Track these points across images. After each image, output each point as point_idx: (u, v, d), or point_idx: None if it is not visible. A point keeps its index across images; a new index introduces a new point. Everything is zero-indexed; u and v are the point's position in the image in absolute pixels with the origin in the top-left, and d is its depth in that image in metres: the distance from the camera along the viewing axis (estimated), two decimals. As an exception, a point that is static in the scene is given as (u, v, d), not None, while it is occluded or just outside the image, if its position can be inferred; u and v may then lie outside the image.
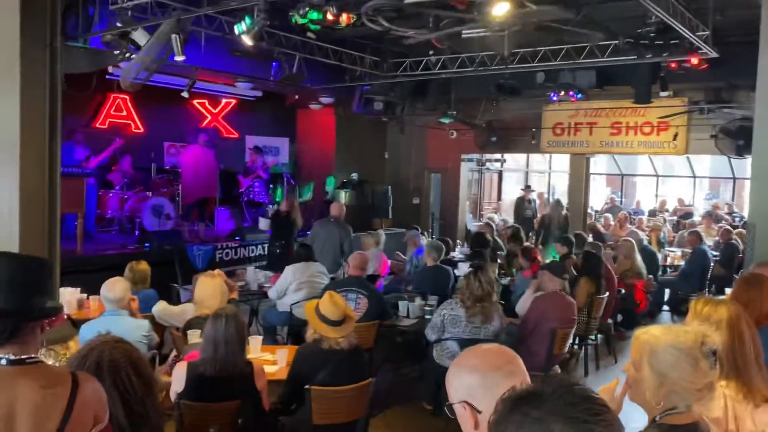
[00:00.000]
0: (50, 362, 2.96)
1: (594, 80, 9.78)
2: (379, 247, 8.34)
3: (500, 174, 18.21)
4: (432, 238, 11.33)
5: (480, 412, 1.58)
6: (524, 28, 6.09)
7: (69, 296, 5.83)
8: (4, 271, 1.93)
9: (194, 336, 4.23)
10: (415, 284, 7.13)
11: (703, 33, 7.09)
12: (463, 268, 6.52)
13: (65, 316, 4.50)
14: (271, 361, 4.52)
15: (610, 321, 7.68)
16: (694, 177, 17.74)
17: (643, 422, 2.02)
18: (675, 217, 15.44)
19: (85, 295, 5.95)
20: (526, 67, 9.10)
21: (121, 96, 11.34)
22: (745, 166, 13.02)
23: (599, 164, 19.02)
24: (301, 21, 5.56)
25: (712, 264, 9.78)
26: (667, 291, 9.89)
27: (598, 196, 19.29)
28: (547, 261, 7.40)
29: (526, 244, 10.44)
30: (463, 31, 6.69)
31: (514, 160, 18.22)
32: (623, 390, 2.06)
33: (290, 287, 6.54)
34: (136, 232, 10.06)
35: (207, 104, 13.02)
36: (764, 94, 5.33)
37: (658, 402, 1.93)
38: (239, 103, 13.09)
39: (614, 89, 10.79)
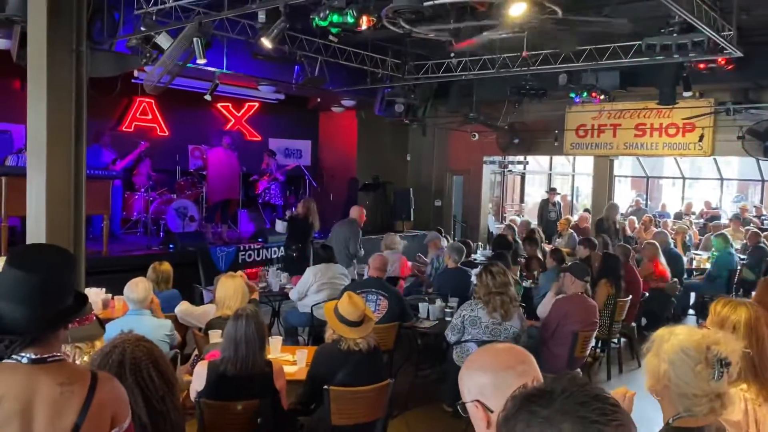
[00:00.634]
0: (77, 360, 3.01)
1: (617, 81, 9.69)
2: (395, 249, 8.32)
3: (523, 176, 18.09)
4: (453, 240, 11.30)
5: (492, 412, 1.57)
6: (545, 28, 6.04)
7: (94, 296, 5.91)
8: (22, 285, 1.90)
9: (215, 336, 4.28)
10: (436, 286, 7.13)
11: (728, 33, 6.99)
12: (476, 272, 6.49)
13: (93, 317, 4.58)
14: (291, 362, 4.54)
15: (633, 324, 7.59)
16: (722, 179, 17.44)
17: (658, 424, 2.01)
18: (701, 220, 15.21)
19: (110, 295, 6.03)
20: (548, 69, 9.05)
21: (147, 99, 11.51)
22: (773, 167, 12.79)
23: (624, 167, 18.80)
24: (321, 24, 5.59)
25: (739, 267, 9.62)
26: (692, 294, 9.75)
27: (623, 199, 19.07)
28: None
29: (551, 246, 10.41)
30: (485, 34, 6.68)
31: (537, 162, 18.09)
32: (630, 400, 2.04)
33: (311, 288, 6.57)
34: (161, 233, 10.21)
35: (230, 107, 13.15)
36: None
37: (658, 394, 1.92)
38: (262, 106, 13.20)
39: (638, 90, 10.67)
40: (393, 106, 10.77)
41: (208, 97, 8.88)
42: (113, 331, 3.63)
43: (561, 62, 8.89)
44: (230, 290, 4.72)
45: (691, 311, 9.79)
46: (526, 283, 7.77)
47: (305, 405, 4.08)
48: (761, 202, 16.18)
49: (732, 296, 8.71)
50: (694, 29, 6.62)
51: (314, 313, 6.35)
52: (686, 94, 9.36)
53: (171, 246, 9.32)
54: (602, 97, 9.91)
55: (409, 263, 8.77)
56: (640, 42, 7.77)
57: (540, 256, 8.89)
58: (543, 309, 6.01)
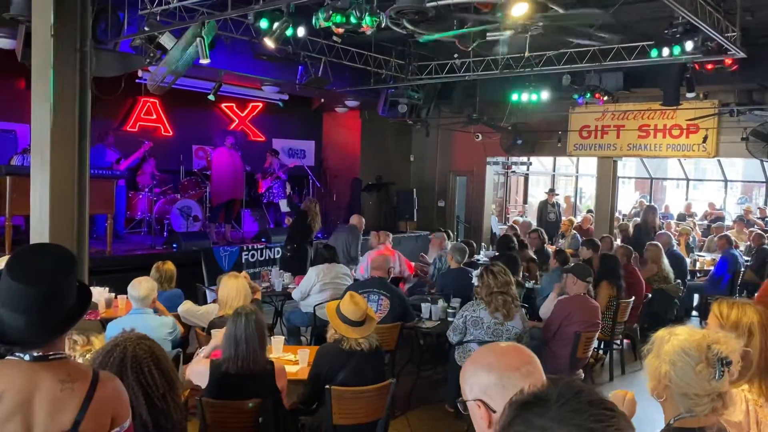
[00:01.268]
0: (69, 353, 3.02)
1: (621, 82, 9.67)
2: (382, 241, 8.36)
3: (526, 177, 18.08)
4: (456, 240, 11.30)
5: (494, 412, 1.56)
6: (546, 30, 6.03)
7: (98, 295, 5.94)
8: (22, 296, 1.88)
9: (218, 335, 4.28)
10: (438, 286, 7.13)
11: (732, 34, 6.98)
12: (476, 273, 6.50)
13: (98, 315, 4.61)
14: (293, 361, 4.55)
15: (636, 326, 7.58)
16: (726, 181, 17.40)
17: (660, 425, 2.01)
18: (705, 222, 15.18)
19: (113, 295, 6.06)
20: (552, 70, 9.04)
21: (151, 100, 11.54)
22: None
23: (628, 168, 18.77)
24: (324, 24, 5.60)
25: (743, 269, 9.59)
26: (695, 296, 9.73)
27: (627, 201, 19.04)
28: None
29: (554, 247, 10.40)
30: (487, 34, 6.67)
31: (541, 163, 18.08)
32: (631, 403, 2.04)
33: (314, 288, 6.58)
34: (165, 233, 10.23)
35: (234, 108, 13.17)
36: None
37: (659, 396, 1.92)
38: (266, 106, 13.22)
39: (642, 91, 10.66)
40: (396, 107, 10.78)
41: (211, 97, 8.91)
42: (116, 329, 3.65)
43: (564, 63, 8.88)
44: (233, 290, 4.74)
45: (694, 313, 9.78)
46: (529, 284, 7.77)
47: (307, 404, 4.09)
48: (765, 203, 16.13)
49: (736, 297, 8.73)
50: (697, 30, 6.62)
51: (317, 312, 6.36)
52: (690, 95, 9.34)
53: (175, 246, 9.34)
54: (606, 98, 9.91)
55: (412, 263, 8.79)
56: (644, 43, 7.77)
57: (533, 255, 8.92)
58: (545, 310, 6.01)
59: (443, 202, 14.74)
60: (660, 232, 11.00)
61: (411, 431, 5.25)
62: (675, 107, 10.16)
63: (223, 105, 12.82)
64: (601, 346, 7.08)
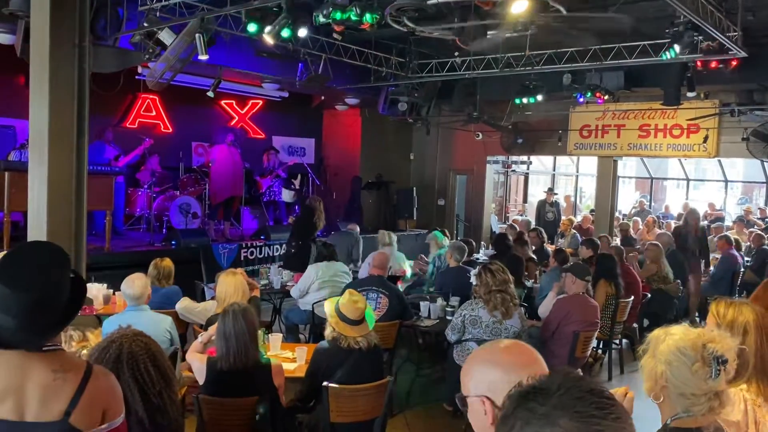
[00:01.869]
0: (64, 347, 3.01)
1: (622, 81, 9.65)
2: (389, 245, 8.32)
3: (526, 176, 18.07)
4: (456, 239, 11.29)
5: (500, 409, 1.54)
6: (548, 27, 6.02)
7: (96, 292, 5.92)
8: (12, 302, 1.86)
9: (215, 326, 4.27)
10: (437, 285, 7.12)
11: (734, 34, 6.96)
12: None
13: (93, 310, 4.60)
14: (291, 359, 4.54)
15: (635, 325, 7.57)
16: (726, 181, 17.39)
17: (657, 425, 2.00)
18: (705, 222, 15.15)
19: (111, 291, 6.04)
20: (552, 69, 9.03)
21: (151, 96, 11.52)
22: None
23: (628, 168, 18.75)
24: (324, 21, 5.58)
25: (743, 269, 9.57)
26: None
27: (628, 201, 19.02)
28: None
29: (553, 246, 10.40)
30: (488, 33, 6.66)
31: (541, 162, 18.07)
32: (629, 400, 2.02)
33: (312, 286, 6.57)
34: (164, 230, 10.22)
35: (234, 105, 13.15)
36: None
37: (657, 397, 1.91)
38: (266, 103, 13.19)
39: (642, 91, 10.64)
40: (396, 105, 10.76)
41: (210, 94, 8.88)
42: (113, 326, 3.64)
43: (565, 62, 8.87)
44: (231, 287, 4.73)
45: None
46: (529, 283, 7.75)
47: (304, 402, 4.08)
48: (766, 204, 16.12)
49: (735, 297, 8.73)
50: (699, 29, 6.60)
51: (315, 310, 6.34)
52: (691, 94, 9.32)
53: (173, 243, 9.33)
54: (606, 97, 9.89)
55: (409, 262, 8.79)
56: (645, 42, 7.75)
57: (532, 254, 8.91)
58: (544, 309, 6.00)
59: (443, 200, 14.73)
60: (660, 232, 10.97)
61: (409, 430, 5.24)
62: (676, 107, 10.14)
63: (222, 102, 12.80)
64: (600, 346, 7.07)
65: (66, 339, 3.31)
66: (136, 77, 8.76)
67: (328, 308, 4.15)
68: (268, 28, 6.11)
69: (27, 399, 1.88)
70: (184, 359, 4.51)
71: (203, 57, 6.22)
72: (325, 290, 6.47)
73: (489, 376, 1.57)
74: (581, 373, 1.18)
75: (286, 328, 6.91)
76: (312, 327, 6.58)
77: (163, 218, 10.41)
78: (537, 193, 18.63)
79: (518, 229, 10.87)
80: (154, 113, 11.92)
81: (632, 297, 7.14)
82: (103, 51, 6.17)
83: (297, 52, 8.54)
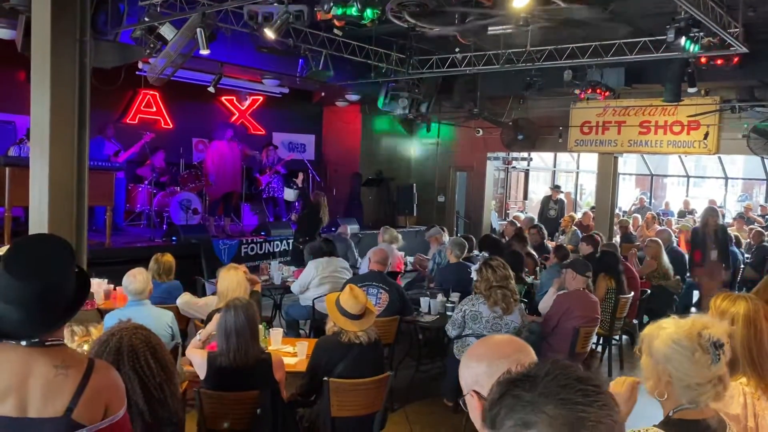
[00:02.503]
0: (68, 342, 3.02)
1: (622, 78, 9.65)
2: (397, 244, 8.28)
3: (527, 173, 18.06)
4: (456, 236, 11.30)
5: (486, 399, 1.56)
6: (550, 23, 6.02)
7: (96, 287, 5.93)
8: (19, 292, 1.87)
9: (214, 321, 4.28)
10: (438, 281, 7.13)
11: (735, 30, 6.96)
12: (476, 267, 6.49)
13: (95, 305, 4.61)
14: (292, 354, 4.55)
15: (635, 321, 7.58)
16: (726, 178, 17.39)
17: (658, 418, 2.00)
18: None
19: (112, 286, 6.05)
20: (553, 65, 9.02)
21: (151, 92, 11.51)
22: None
23: (629, 165, 18.76)
24: (325, 17, 5.58)
25: (742, 266, 9.58)
26: (695, 292, 9.73)
27: (628, 197, 19.03)
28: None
29: (553, 242, 10.40)
30: (489, 28, 6.66)
31: (541, 158, 18.06)
32: (632, 388, 2.03)
33: (313, 282, 6.58)
34: (164, 225, 10.22)
35: (235, 101, 13.14)
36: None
37: (661, 394, 1.91)
38: (266, 99, 13.19)
39: (643, 87, 10.65)
40: (397, 101, 10.75)
41: (211, 89, 8.88)
42: (114, 321, 3.65)
43: (566, 58, 8.86)
44: (233, 282, 4.73)
45: (693, 309, 9.77)
46: (529, 279, 7.76)
47: (305, 396, 4.09)
48: (766, 201, 16.13)
49: (737, 292, 8.73)
50: (700, 26, 6.59)
51: (316, 306, 6.35)
52: (691, 91, 9.31)
53: (174, 238, 9.34)
54: (607, 93, 9.88)
55: (409, 258, 8.79)
56: (646, 39, 7.74)
57: (531, 251, 8.91)
58: (544, 305, 6.01)
59: (443, 197, 14.73)
60: (660, 228, 10.98)
61: (409, 425, 5.25)
62: (676, 103, 10.13)
63: (223, 98, 12.80)
64: (600, 342, 7.08)
65: (69, 334, 3.32)
66: (137, 73, 8.76)
67: (328, 303, 4.16)
68: (267, 23, 6.10)
69: (29, 395, 1.87)
70: (184, 354, 4.53)
71: (204, 52, 6.21)
72: (325, 286, 6.48)
73: (473, 369, 1.62)
74: (568, 361, 1.18)
75: (287, 323, 6.92)
76: (312, 322, 6.59)
77: (164, 214, 10.42)
78: (537, 189, 18.64)
79: (518, 224, 10.88)
80: (154, 109, 11.92)
81: (632, 293, 7.14)
82: (103, 46, 6.17)
83: (297, 48, 8.54)
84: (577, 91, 9.93)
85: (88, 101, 5.63)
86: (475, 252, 8.54)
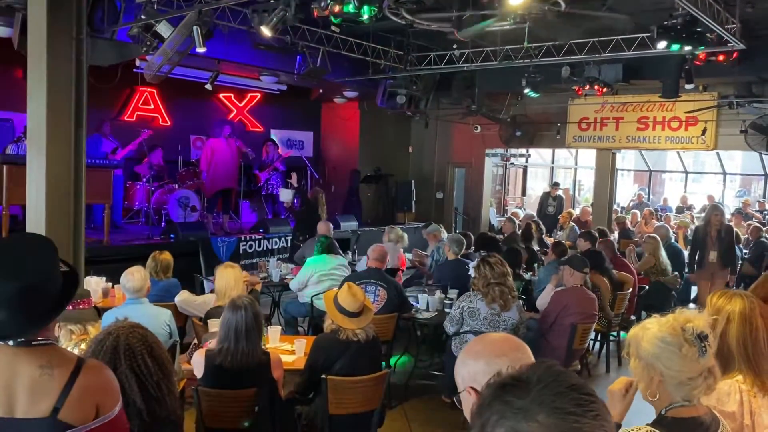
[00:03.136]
0: (65, 343, 3.02)
1: (620, 74, 9.64)
2: (400, 245, 8.24)
3: (525, 169, 18.07)
4: (454, 232, 11.30)
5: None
6: (546, 18, 6.01)
7: (95, 285, 5.94)
8: (3, 291, 1.85)
9: (215, 325, 4.28)
10: (436, 277, 7.13)
11: (732, 26, 6.95)
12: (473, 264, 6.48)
13: (91, 303, 4.60)
14: (290, 351, 4.55)
15: (633, 317, 7.59)
16: (725, 174, 17.40)
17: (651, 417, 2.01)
18: (703, 214, 15.17)
19: (110, 284, 6.05)
20: (551, 61, 9.01)
21: (149, 89, 11.50)
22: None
23: (627, 161, 18.77)
24: (322, 13, 5.57)
25: (740, 262, 9.59)
26: (693, 288, 9.74)
27: (626, 193, 19.05)
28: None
29: (551, 239, 10.41)
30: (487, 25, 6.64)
31: (539, 155, 18.07)
32: (628, 387, 2.03)
33: (311, 279, 6.58)
34: (162, 223, 10.22)
35: (233, 98, 13.13)
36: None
37: (653, 395, 1.91)
38: (264, 96, 13.18)
39: (641, 83, 10.64)
40: (395, 98, 10.75)
41: (208, 86, 8.87)
42: (112, 320, 3.64)
43: (564, 54, 8.86)
44: (231, 280, 4.74)
45: (692, 305, 9.79)
46: (527, 276, 7.77)
47: (303, 394, 4.09)
48: (764, 196, 16.14)
49: (733, 289, 8.74)
50: (697, 22, 6.59)
51: (314, 303, 6.36)
52: (689, 87, 9.32)
53: (172, 236, 9.33)
54: (605, 89, 9.88)
55: (408, 255, 8.78)
56: (644, 35, 7.74)
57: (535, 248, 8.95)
58: (542, 301, 6.01)
59: (442, 193, 14.73)
60: (658, 224, 11.00)
61: (407, 421, 5.26)
62: (674, 99, 10.14)
63: (221, 95, 12.79)
64: (597, 338, 7.09)
65: (66, 333, 3.31)
66: (134, 70, 8.75)
67: (326, 301, 4.16)
68: (264, 21, 6.09)
69: (16, 395, 1.87)
70: (182, 352, 4.53)
71: (201, 49, 6.21)
72: (324, 283, 6.48)
73: (471, 367, 1.61)
74: (578, 367, 1.16)
75: (285, 320, 6.93)
76: (311, 319, 6.59)
77: (162, 211, 10.41)
78: (536, 186, 18.64)
79: (516, 221, 10.89)
80: (152, 106, 11.90)
81: (630, 290, 7.15)
82: (100, 43, 6.15)
83: (295, 45, 8.52)
84: (575, 87, 9.92)
85: (84, 99, 5.61)
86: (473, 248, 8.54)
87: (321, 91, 12.85)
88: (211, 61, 8.60)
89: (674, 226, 11.78)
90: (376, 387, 4.00)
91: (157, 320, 4.42)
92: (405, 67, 10.18)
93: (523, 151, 15.80)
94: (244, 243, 9.87)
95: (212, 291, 5.35)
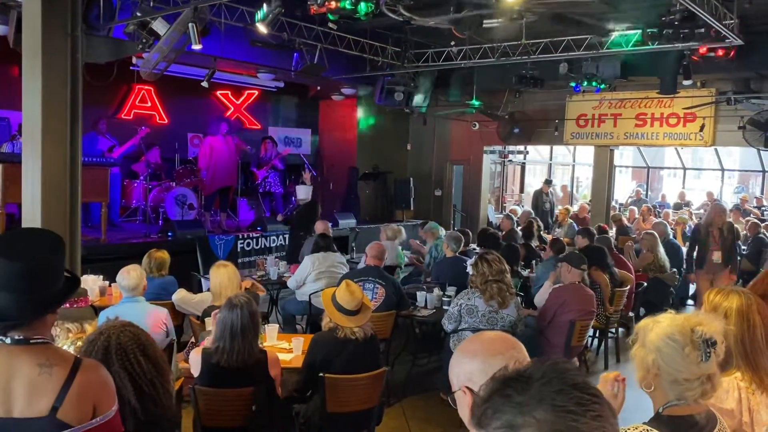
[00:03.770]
0: (61, 342, 3.00)
1: (618, 70, 9.63)
2: (399, 239, 8.24)
3: (523, 166, 18.07)
4: (453, 229, 11.30)
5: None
6: (544, 15, 5.99)
7: (92, 283, 5.90)
8: (6, 272, 1.88)
9: (211, 324, 4.26)
10: (434, 275, 7.12)
11: (730, 22, 6.94)
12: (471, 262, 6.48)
13: (88, 301, 4.59)
14: (287, 350, 4.54)
15: (632, 314, 7.59)
16: (723, 170, 17.41)
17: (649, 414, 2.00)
18: (701, 211, 15.18)
19: (107, 283, 6.02)
20: (548, 57, 9.00)
21: (146, 87, 11.46)
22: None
23: (625, 157, 18.77)
24: (319, 10, 5.55)
25: (738, 258, 9.58)
26: (692, 285, 9.74)
27: (624, 190, 19.06)
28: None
29: (550, 235, 10.40)
30: (484, 21, 6.63)
31: (538, 152, 18.06)
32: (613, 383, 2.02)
33: (309, 277, 6.57)
34: (160, 221, 10.19)
35: (230, 95, 13.09)
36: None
37: (648, 386, 1.91)
38: (262, 94, 13.14)
39: (639, 80, 10.63)
40: (393, 95, 10.73)
41: (205, 84, 8.84)
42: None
43: (561, 51, 8.84)
44: (225, 279, 4.72)
45: (690, 301, 9.79)
46: (525, 272, 7.76)
47: (301, 392, 4.08)
48: (762, 193, 16.15)
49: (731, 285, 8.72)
50: (695, 17, 6.58)
51: (312, 301, 6.35)
52: (687, 83, 9.31)
53: (170, 234, 9.30)
54: (603, 86, 9.87)
55: (407, 252, 8.77)
56: (641, 31, 7.72)
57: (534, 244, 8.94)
58: (540, 298, 6.00)
59: (440, 191, 14.72)
60: (656, 221, 10.99)
61: (406, 419, 5.25)
62: (672, 95, 10.13)
63: (218, 92, 12.75)
64: (596, 335, 7.09)
65: (63, 332, 3.29)
66: (131, 68, 8.71)
67: (324, 299, 4.14)
68: (260, 16, 6.07)
69: (14, 394, 1.86)
70: (179, 350, 4.51)
71: (197, 47, 6.18)
72: (321, 281, 6.47)
73: (466, 366, 1.60)
74: (568, 363, 1.13)
75: (283, 318, 6.92)
76: (309, 318, 6.58)
77: (159, 210, 10.37)
78: (534, 183, 18.64)
79: (515, 218, 10.88)
80: (149, 104, 11.86)
81: (628, 286, 7.15)
82: (96, 41, 6.13)
83: (292, 42, 8.50)
84: (572, 84, 9.91)
85: (80, 97, 5.59)
86: (472, 246, 8.54)
87: (318, 88, 12.83)
88: (207, 58, 8.57)
89: (672, 222, 11.78)
90: (374, 385, 3.99)
91: (154, 318, 4.40)
92: (403, 63, 10.16)
93: (521, 148, 15.78)
94: (242, 241, 9.86)
95: (209, 289, 5.34)
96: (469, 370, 1.58)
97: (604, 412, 1.04)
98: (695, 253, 8.15)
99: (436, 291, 6.27)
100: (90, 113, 6.83)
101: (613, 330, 7.19)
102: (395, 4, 5.93)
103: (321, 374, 3.82)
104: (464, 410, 1.57)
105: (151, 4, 6.36)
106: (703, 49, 7.94)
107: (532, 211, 12.91)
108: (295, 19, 8.24)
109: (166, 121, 12.10)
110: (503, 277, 5.05)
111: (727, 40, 7.25)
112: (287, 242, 9.91)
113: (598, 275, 6.53)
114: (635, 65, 9.69)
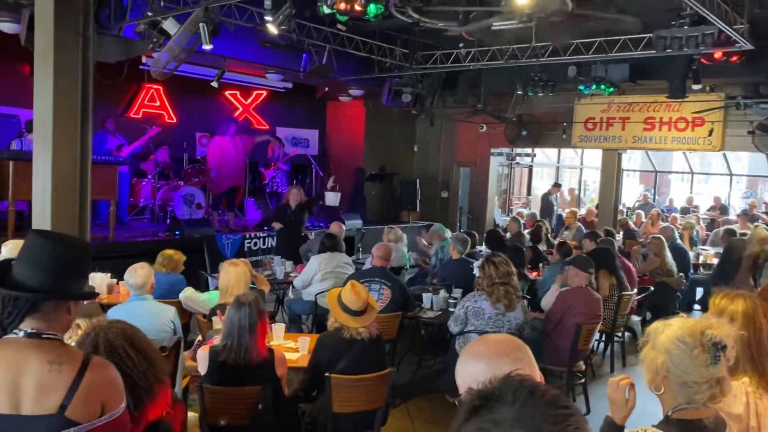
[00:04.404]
0: (69, 335, 3.01)
1: (627, 74, 9.62)
2: (401, 244, 8.23)
3: (530, 169, 18.04)
4: (459, 231, 11.28)
5: None
6: (552, 18, 5.99)
7: (99, 281, 5.93)
8: (34, 250, 2.00)
9: (218, 322, 4.29)
10: (440, 277, 7.12)
11: (740, 26, 6.92)
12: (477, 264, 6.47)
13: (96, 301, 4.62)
14: (293, 349, 4.55)
15: (638, 318, 7.56)
16: (731, 175, 17.33)
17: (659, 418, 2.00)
18: (706, 215, 15.13)
19: (115, 281, 6.05)
20: (557, 60, 8.99)
21: (155, 86, 11.52)
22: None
23: (633, 161, 18.71)
24: (328, 11, 5.56)
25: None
26: (698, 289, 9.71)
27: (632, 194, 19.01)
28: None
29: (559, 239, 10.38)
30: (493, 24, 6.63)
31: (545, 155, 18.03)
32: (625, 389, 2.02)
33: (315, 277, 6.58)
34: (168, 220, 10.23)
35: (238, 95, 13.14)
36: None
37: (658, 388, 1.91)
38: (270, 94, 13.18)
39: (648, 83, 10.60)
40: (400, 96, 10.74)
41: (214, 84, 8.88)
42: (116, 315, 3.65)
43: (570, 54, 8.83)
44: (233, 278, 4.72)
45: (696, 306, 9.75)
46: (533, 275, 7.75)
47: (307, 392, 4.08)
48: (770, 198, 16.07)
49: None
50: (705, 22, 6.56)
51: (318, 301, 6.36)
52: (696, 87, 9.28)
53: (177, 233, 9.34)
54: (611, 89, 9.85)
55: (412, 254, 8.78)
56: (651, 35, 7.71)
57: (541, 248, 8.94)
58: (547, 301, 5.99)
59: (446, 193, 14.72)
60: (664, 225, 10.95)
61: (411, 420, 5.26)
62: (681, 100, 10.10)
63: (227, 93, 12.79)
64: (602, 339, 7.07)
65: (74, 327, 3.30)
66: (141, 67, 8.76)
67: (330, 299, 4.15)
68: (270, 18, 6.09)
69: (23, 392, 1.86)
70: (186, 348, 4.53)
71: (207, 47, 6.21)
72: (328, 281, 6.48)
73: (473, 368, 1.59)
74: (532, 380, 1.10)
75: (289, 318, 6.93)
76: (315, 317, 6.59)
77: (167, 208, 10.42)
78: (541, 186, 18.62)
79: (521, 221, 10.87)
80: (158, 103, 11.92)
81: (635, 290, 7.13)
82: (107, 40, 6.17)
83: (301, 43, 8.52)
84: (581, 87, 9.90)
85: (90, 95, 5.63)
86: (478, 248, 8.54)
87: (326, 89, 12.85)
88: (217, 58, 8.61)
89: (680, 227, 11.73)
90: (379, 385, 4.00)
91: (162, 317, 4.42)
92: (411, 65, 10.18)
93: (528, 150, 15.76)
94: (249, 240, 9.88)
95: (217, 288, 5.35)
96: (475, 371, 1.58)
97: (580, 423, 1.04)
98: (722, 272, 7.68)
99: (442, 293, 6.28)
100: (99, 112, 6.86)
101: (620, 334, 7.17)
102: (404, 5, 5.94)
103: (327, 374, 3.83)
104: None
105: (162, 3, 6.39)
106: (717, 54, 7.91)
107: (537, 214, 12.89)
108: (304, 20, 8.27)
109: (175, 121, 12.15)
110: (510, 280, 5.04)
111: (737, 45, 7.23)
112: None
113: (604, 278, 6.53)
114: (644, 69, 9.66)
